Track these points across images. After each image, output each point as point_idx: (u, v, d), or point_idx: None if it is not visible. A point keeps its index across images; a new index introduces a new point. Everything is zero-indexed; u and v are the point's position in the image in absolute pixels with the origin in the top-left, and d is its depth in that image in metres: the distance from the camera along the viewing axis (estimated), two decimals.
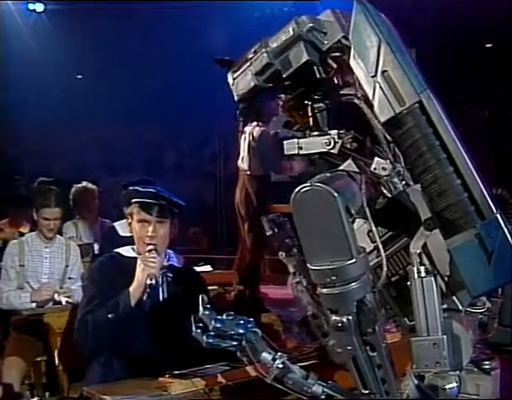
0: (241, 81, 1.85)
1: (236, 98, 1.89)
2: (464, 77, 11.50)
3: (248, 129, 7.62)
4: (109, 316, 3.59)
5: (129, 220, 3.91)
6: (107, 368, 3.66)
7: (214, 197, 14.06)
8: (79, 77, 14.55)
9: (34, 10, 13.53)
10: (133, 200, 3.84)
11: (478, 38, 12.16)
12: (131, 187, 3.92)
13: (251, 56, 1.82)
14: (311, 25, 1.73)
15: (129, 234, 4.01)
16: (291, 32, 1.74)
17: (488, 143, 11.22)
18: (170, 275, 3.80)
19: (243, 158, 7.77)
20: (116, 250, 4.00)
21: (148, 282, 3.65)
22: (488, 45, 13.03)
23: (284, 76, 1.78)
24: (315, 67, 1.78)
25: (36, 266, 5.76)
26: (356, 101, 1.76)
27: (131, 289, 3.65)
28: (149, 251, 3.73)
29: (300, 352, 3.03)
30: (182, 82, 11.96)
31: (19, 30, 13.35)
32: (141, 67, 12.81)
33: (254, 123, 7.51)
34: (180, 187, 9.59)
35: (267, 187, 7.87)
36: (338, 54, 1.78)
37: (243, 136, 7.77)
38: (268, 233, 2.54)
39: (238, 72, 1.86)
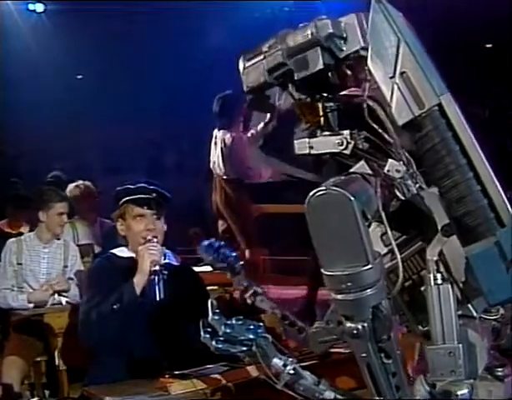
0: (252, 73, 1.81)
1: (245, 89, 1.85)
2: (464, 77, 11.50)
3: (219, 135, 7.81)
4: (114, 307, 3.60)
5: (120, 221, 3.94)
6: (107, 369, 3.64)
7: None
8: (79, 77, 14.56)
9: (34, 10, 13.59)
10: (126, 198, 3.87)
11: (478, 39, 12.18)
12: (120, 188, 3.95)
13: (265, 50, 1.78)
14: (331, 32, 1.68)
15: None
16: (309, 36, 1.69)
17: (488, 143, 11.19)
18: (166, 272, 3.75)
19: (214, 163, 7.93)
20: (111, 251, 4.03)
21: (152, 269, 3.66)
22: (488, 45, 13.06)
23: (296, 79, 1.74)
24: (329, 73, 1.75)
25: (34, 266, 5.76)
26: (369, 102, 1.72)
27: (135, 279, 3.66)
28: (149, 240, 3.77)
29: (301, 352, 3.02)
30: (182, 82, 11.97)
31: (19, 30, 13.38)
32: (141, 68, 12.83)
33: (225, 130, 7.69)
34: (180, 187, 9.60)
35: (245, 188, 8.00)
36: (353, 62, 1.74)
37: (213, 140, 7.94)
38: (206, 261, 2.58)
39: (251, 63, 1.81)
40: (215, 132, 8.00)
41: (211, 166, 8.08)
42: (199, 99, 11.92)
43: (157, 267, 3.68)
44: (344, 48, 1.71)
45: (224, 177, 7.90)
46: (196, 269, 4.89)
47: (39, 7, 13.51)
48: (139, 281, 3.66)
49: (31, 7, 13.53)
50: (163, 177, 11.58)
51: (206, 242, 2.71)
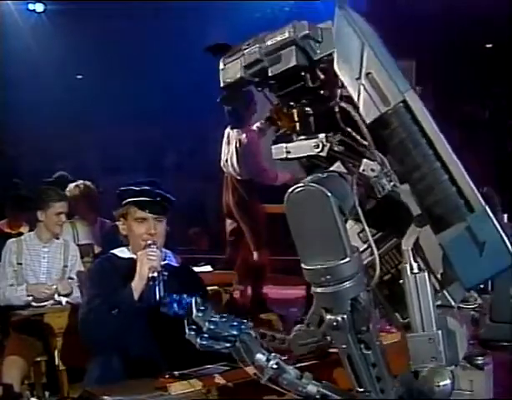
0: (230, 69, 1.86)
1: (222, 85, 1.90)
2: (464, 77, 11.51)
3: (233, 134, 7.71)
4: (113, 312, 3.60)
5: (122, 220, 3.93)
6: (107, 370, 3.66)
7: (214, 197, 14.04)
8: (79, 77, 14.58)
9: (34, 10, 13.61)
10: (129, 199, 3.86)
11: (478, 39, 12.19)
12: (124, 188, 3.93)
13: (245, 47, 1.83)
14: (307, 32, 1.74)
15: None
16: (286, 35, 1.74)
17: (488, 143, 11.24)
18: (166, 274, 3.75)
19: (226, 160, 7.85)
20: (112, 251, 4.03)
21: (150, 275, 3.67)
22: (488, 45, 13.06)
23: (270, 75, 1.79)
24: (303, 73, 1.79)
25: (34, 266, 5.79)
26: (343, 104, 1.77)
27: (133, 284, 3.67)
28: (149, 245, 3.77)
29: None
30: (182, 83, 11.98)
31: (19, 30, 13.40)
32: (141, 68, 12.84)
33: (240, 130, 7.60)
34: (180, 188, 9.62)
35: (257, 189, 7.96)
36: (327, 66, 1.79)
37: (225, 139, 7.84)
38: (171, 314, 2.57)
39: (230, 60, 1.86)
40: (227, 130, 7.88)
41: (222, 164, 7.99)
42: (199, 99, 11.95)
43: (155, 274, 3.68)
44: (319, 51, 1.76)
45: (238, 177, 7.82)
46: (196, 269, 4.91)
47: (39, 7, 13.53)
48: (137, 286, 3.67)
49: (31, 6, 13.56)
50: (162, 177, 11.60)
51: (167, 300, 2.73)
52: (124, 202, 3.89)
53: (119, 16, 12.18)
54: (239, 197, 7.92)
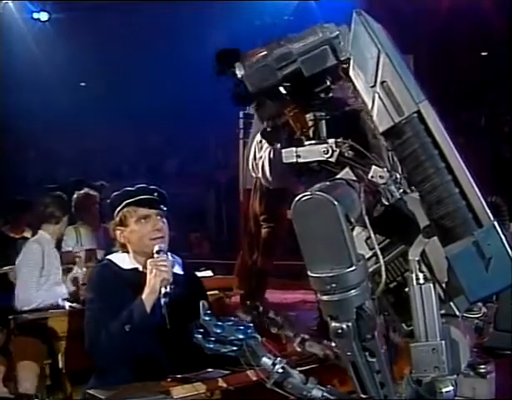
0: (258, 73, 1.83)
1: (251, 90, 1.85)
2: (460, 84, 11.55)
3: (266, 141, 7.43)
4: (126, 329, 3.44)
5: (120, 229, 3.73)
6: (112, 374, 3.54)
7: (215, 202, 14.06)
8: (83, 84, 14.66)
9: (39, 19, 13.75)
10: (127, 201, 3.69)
11: (474, 47, 12.24)
12: (117, 192, 3.78)
13: (271, 49, 1.82)
14: (338, 33, 1.76)
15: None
16: (320, 34, 1.76)
17: (484, 149, 11.22)
18: (173, 286, 3.56)
19: (253, 169, 7.61)
20: (109, 258, 3.82)
21: (163, 290, 3.49)
22: (483, 53, 13.10)
23: (306, 75, 1.79)
24: (327, 75, 1.81)
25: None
26: (356, 110, 1.78)
27: (144, 296, 3.49)
28: (158, 252, 3.58)
29: (300, 357, 3.05)
30: (183, 90, 12.02)
31: (24, 38, 13.50)
32: (143, 75, 12.90)
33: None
34: (181, 193, 9.64)
35: (289, 197, 7.79)
36: (346, 66, 1.80)
37: (257, 143, 7.53)
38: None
39: (254, 65, 1.84)
40: (259, 136, 7.55)
41: (250, 166, 7.67)
42: (200, 106, 12.01)
43: (168, 289, 3.49)
44: (344, 52, 1.78)
45: (270, 186, 7.57)
46: (197, 274, 4.90)
47: (43, 16, 13.70)
48: (149, 299, 3.49)
49: (35, 15, 13.73)
50: (163, 183, 11.59)
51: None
52: (120, 206, 3.72)
53: (122, 24, 12.25)
54: (267, 205, 7.71)
